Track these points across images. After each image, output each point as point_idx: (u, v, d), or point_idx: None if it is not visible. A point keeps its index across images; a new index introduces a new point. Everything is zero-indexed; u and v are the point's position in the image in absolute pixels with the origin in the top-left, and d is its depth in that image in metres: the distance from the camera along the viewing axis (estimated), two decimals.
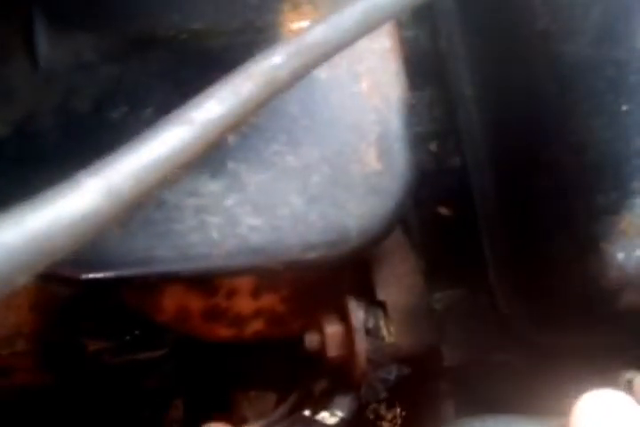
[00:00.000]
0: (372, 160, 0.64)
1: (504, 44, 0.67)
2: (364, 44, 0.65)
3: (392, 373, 0.75)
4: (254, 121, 0.63)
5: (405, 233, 0.76)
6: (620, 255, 0.57)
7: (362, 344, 0.72)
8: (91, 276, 0.61)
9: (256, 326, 0.80)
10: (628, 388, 0.59)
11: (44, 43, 0.62)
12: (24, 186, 0.60)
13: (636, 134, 0.57)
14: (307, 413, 0.77)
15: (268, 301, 0.79)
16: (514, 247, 0.69)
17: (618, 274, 0.58)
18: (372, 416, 1.03)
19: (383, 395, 0.76)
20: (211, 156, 0.61)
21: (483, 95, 0.72)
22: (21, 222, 0.31)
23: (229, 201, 0.62)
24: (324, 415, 0.76)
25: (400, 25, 0.72)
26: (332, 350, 0.73)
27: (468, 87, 0.73)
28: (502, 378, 0.74)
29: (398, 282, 0.75)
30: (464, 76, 0.74)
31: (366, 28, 0.47)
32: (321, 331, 0.74)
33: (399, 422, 1.02)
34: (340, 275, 0.78)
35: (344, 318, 0.74)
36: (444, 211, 0.78)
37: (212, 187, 0.62)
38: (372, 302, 0.75)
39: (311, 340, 0.74)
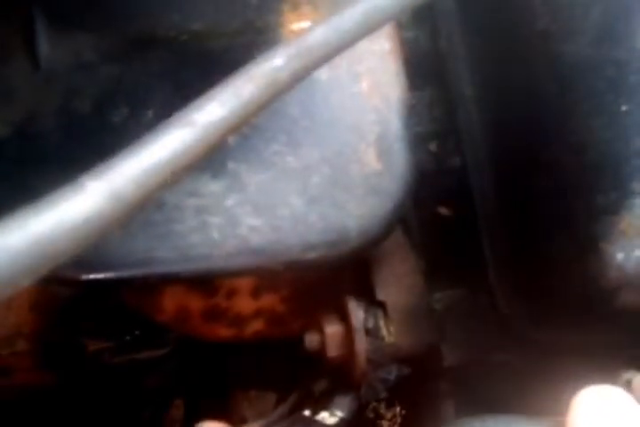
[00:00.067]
0: (371, 160, 0.64)
1: (504, 44, 0.67)
2: (363, 45, 0.65)
3: (392, 373, 0.75)
4: (254, 121, 0.63)
5: (405, 233, 0.76)
6: (620, 255, 0.57)
7: (362, 344, 0.72)
8: (91, 277, 0.61)
9: (256, 326, 0.80)
10: (627, 388, 0.59)
11: (44, 43, 0.62)
12: (24, 186, 0.60)
13: (635, 134, 0.57)
14: (306, 413, 0.77)
15: (268, 301, 0.80)
16: (514, 247, 0.69)
17: (617, 274, 0.58)
18: (371, 415, 1.03)
19: (383, 395, 0.76)
20: (211, 156, 0.61)
21: (483, 95, 0.72)
22: (25, 226, 0.31)
23: (230, 201, 0.62)
24: (324, 415, 0.76)
25: (400, 25, 0.72)
26: (332, 350, 0.73)
27: (468, 87, 0.73)
28: (502, 378, 0.75)
29: (398, 282, 0.75)
30: (464, 76, 0.74)
31: (367, 30, 0.47)
32: (321, 331, 0.74)
33: (399, 420, 1.02)
34: (340, 275, 0.78)
35: (344, 318, 0.74)
36: (443, 211, 0.78)
37: (212, 187, 0.62)
38: (372, 302, 0.75)
39: (311, 340, 0.74)
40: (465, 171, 0.75)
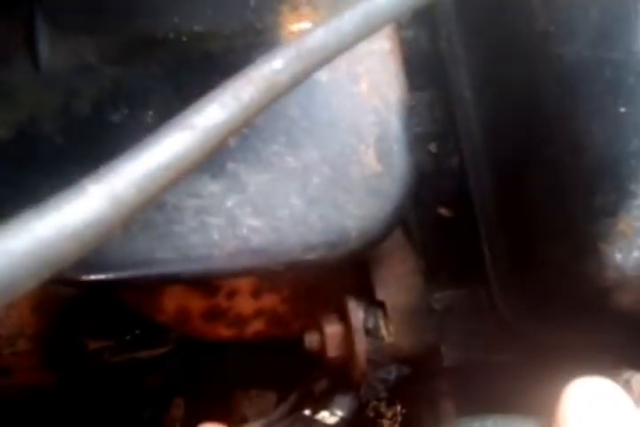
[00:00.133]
0: (371, 161, 0.64)
1: (503, 45, 0.67)
2: (363, 46, 0.64)
3: (392, 373, 0.76)
4: (254, 122, 0.63)
5: (405, 234, 0.77)
6: (618, 256, 0.57)
7: (361, 344, 0.72)
8: (92, 277, 0.61)
9: (257, 326, 0.81)
10: (626, 387, 0.59)
11: (45, 45, 0.62)
12: (25, 188, 0.60)
13: (634, 136, 0.57)
14: (307, 412, 0.78)
15: (269, 301, 0.80)
16: (513, 248, 0.69)
17: (615, 274, 0.58)
18: (372, 414, 1.03)
19: (383, 395, 0.76)
20: (211, 157, 0.61)
21: (482, 96, 0.72)
22: (27, 230, 0.31)
23: (230, 202, 0.62)
24: (324, 415, 0.76)
25: (399, 26, 0.72)
26: (332, 350, 0.74)
27: (468, 88, 0.73)
28: (502, 378, 0.75)
29: (398, 282, 0.76)
30: (463, 77, 0.73)
31: (367, 32, 0.47)
32: (321, 331, 0.74)
33: (399, 419, 1.02)
34: (340, 275, 0.78)
35: (344, 318, 0.74)
36: (444, 211, 0.78)
37: (212, 188, 0.62)
38: (372, 303, 0.75)
39: (311, 340, 0.74)
40: (465, 172, 0.75)
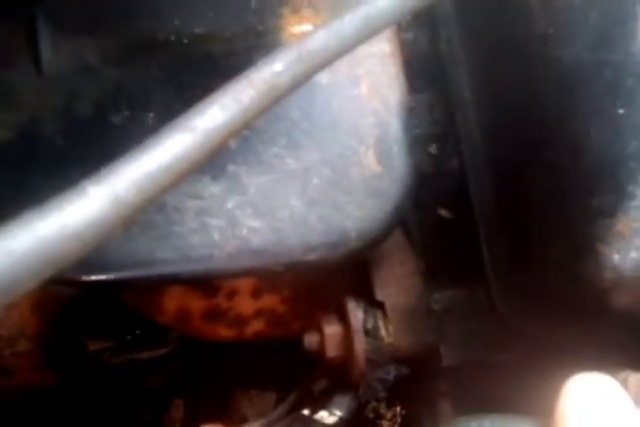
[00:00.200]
0: (371, 163, 0.65)
1: (502, 47, 0.67)
2: (363, 48, 0.65)
3: (391, 373, 0.76)
4: (255, 124, 0.63)
5: (405, 235, 0.77)
6: (616, 257, 0.58)
7: (361, 344, 0.73)
8: (92, 277, 0.61)
9: (257, 326, 0.81)
10: (623, 386, 0.59)
11: (46, 46, 0.62)
12: (26, 189, 0.61)
13: (632, 137, 0.57)
14: (306, 412, 0.78)
15: (269, 301, 0.80)
16: (512, 248, 0.69)
17: (613, 275, 0.58)
18: (371, 415, 1.03)
19: (382, 395, 0.77)
20: (212, 159, 0.62)
21: (481, 98, 0.72)
22: (28, 230, 0.31)
23: (230, 203, 0.63)
24: (323, 415, 0.76)
25: (399, 28, 0.72)
26: (331, 351, 0.74)
27: (467, 90, 0.73)
28: (500, 378, 0.75)
29: (397, 283, 0.76)
30: (463, 79, 0.74)
31: (367, 35, 0.47)
32: (320, 331, 0.74)
33: (399, 420, 1.02)
34: (340, 276, 0.78)
35: (343, 318, 0.74)
36: (443, 213, 0.78)
37: (212, 189, 0.63)
38: (372, 303, 0.76)
39: (310, 340, 0.75)
40: (464, 173, 0.75)
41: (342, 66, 0.65)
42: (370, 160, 0.65)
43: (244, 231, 0.63)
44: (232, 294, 0.79)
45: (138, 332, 0.87)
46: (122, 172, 0.34)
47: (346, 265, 0.72)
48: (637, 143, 0.57)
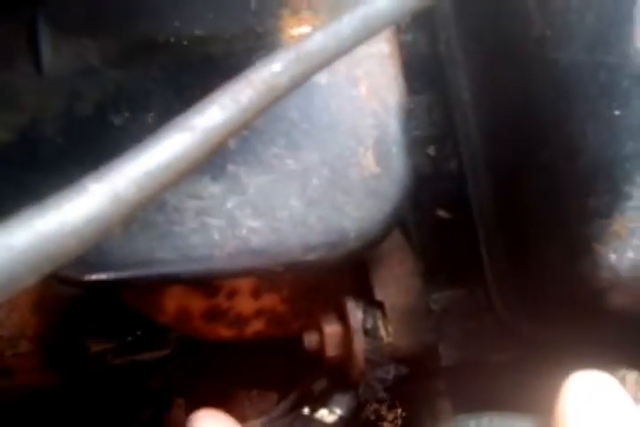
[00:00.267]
0: (370, 164, 0.65)
1: (500, 49, 0.68)
2: (362, 49, 0.64)
3: (390, 372, 0.76)
4: (254, 125, 0.63)
5: (404, 235, 0.77)
6: (613, 257, 0.58)
7: (360, 344, 0.73)
8: (93, 277, 0.62)
9: (257, 326, 0.81)
10: (621, 385, 0.59)
11: (47, 48, 0.62)
12: (28, 190, 0.61)
13: (628, 138, 0.57)
14: (305, 411, 0.78)
15: (269, 301, 0.80)
16: (510, 249, 0.69)
17: (610, 275, 0.58)
18: (372, 417, 1.03)
19: (381, 394, 0.77)
20: (211, 159, 0.62)
21: (480, 100, 0.72)
22: (28, 226, 0.32)
23: (230, 203, 0.63)
24: (323, 413, 0.77)
25: (399, 30, 0.73)
26: (331, 350, 0.74)
27: (466, 92, 0.74)
28: (499, 377, 0.75)
29: (397, 283, 0.76)
30: (462, 80, 0.74)
31: (365, 35, 0.47)
32: (320, 331, 0.75)
33: (400, 422, 1.02)
34: (340, 276, 0.79)
35: (343, 318, 0.74)
36: (442, 214, 0.78)
37: (212, 189, 0.63)
38: (371, 303, 0.76)
39: (310, 339, 0.75)
40: (463, 174, 0.75)
41: (341, 67, 0.65)
42: (369, 161, 0.65)
43: (244, 231, 0.63)
44: (232, 294, 0.79)
45: (139, 333, 0.87)
46: (122, 169, 0.35)
47: (345, 265, 0.73)
48: (633, 144, 0.57)
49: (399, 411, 1.01)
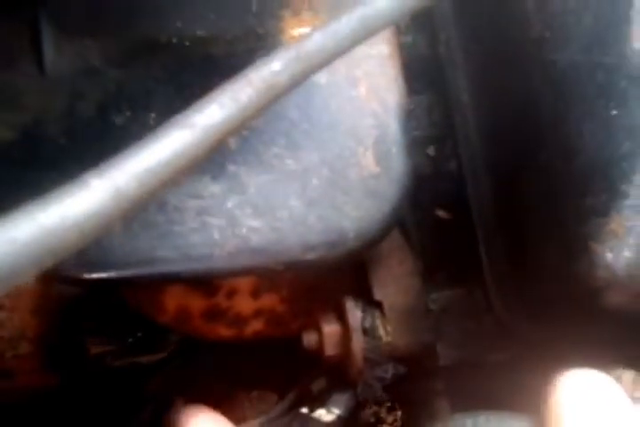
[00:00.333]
0: (369, 164, 0.65)
1: (500, 50, 0.68)
2: (362, 50, 0.65)
3: (388, 371, 0.76)
4: (254, 125, 0.64)
5: (403, 235, 0.77)
6: (609, 256, 0.58)
7: (359, 343, 0.73)
8: (94, 275, 0.62)
9: (256, 325, 0.81)
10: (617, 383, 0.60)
11: (50, 48, 0.63)
12: (30, 189, 0.61)
13: (625, 138, 0.57)
14: (304, 410, 0.78)
15: (268, 301, 0.80)
16: (509, 249, 0.70)
17: (606, 274, 0.58)
18: (372, 419, 1.03)
19: (379, 393, 0.77)
20: (212, 158, 0.62)
21: (479, 101, 0.72)
22: (31, 220, 0.32)
23: (230, 203, 0.63)
24: (321, 413, 0.77)
25: (399, 31, 0.73)
26: (330, 349, 0.74)
27: (466, 93, 0.74)
28: (497, 377, 0.75)
29: (396, 283, 0.76)
30: (461, 81, 0.74)
31: (364, 35, 0.48)
32: (319, 330, 0.75)
33: (399, 424, 1.02)
34: (339, 276, 0.79)
35: (342, 317, 0.75)
36: (441, 214, 0.78)
37: (212, 189, 0.63)
38: (370, 302, 0.76)
39: (309, 339, 0.75)
40: (462, 175, 0.76)
41: (341, 67, 0.65)
42: (368, 161, 0.65)
43: (244, 230, 0.63)
44: (231, 294, 0.79)
45: (139, 334, 0.87)
46: (123, 166, 0.35)
47: (344, 265, 0.73)
48: (630, 144, 0.57)
49: (399, 413, 1.01)
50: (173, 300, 0.78)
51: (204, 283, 0.77)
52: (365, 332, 0.74)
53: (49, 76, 0.63)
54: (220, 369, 0.93)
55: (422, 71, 0.77)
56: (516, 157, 0.67)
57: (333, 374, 0.79)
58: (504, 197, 0.70)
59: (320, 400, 0.78)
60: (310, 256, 0.64)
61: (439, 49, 0.77)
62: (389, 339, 0.75)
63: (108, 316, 0.85)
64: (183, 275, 0.64)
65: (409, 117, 0.67)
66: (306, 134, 0.65)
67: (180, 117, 0.40)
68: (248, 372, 0.91)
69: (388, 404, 1.00)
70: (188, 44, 0.64)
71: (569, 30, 0.60)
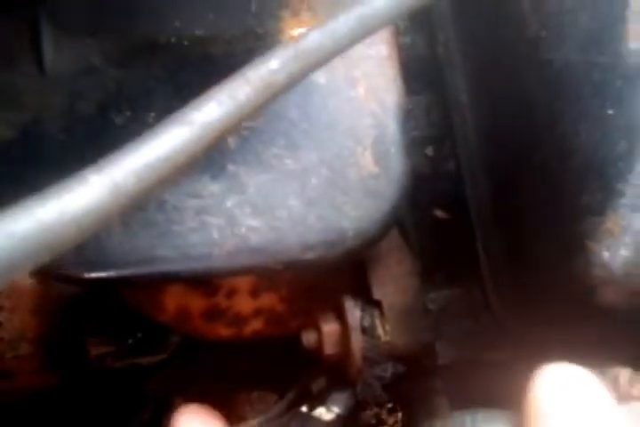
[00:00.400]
0: (368, 163, 0.65)
1: (497, 51, 0.68)
2: (361, 50, 0.66)
3: (387, 370, 0.76)
4: (254, 124, 0.64)
5: (402, 235, 0.78)
6: (606, 254, 0.58)
7: (358, 342, 0.73)
8: (94, 275, 0.62)
9: (256, 325, 0.81)
10: (614, 384, 0.60)
11: (49, 47, 0.63)
12: (29, 187, 0.61)
13: (621, 137, 0.58)
14: (304, 409, 0.78)
15: (268, 300, 0.81)
16: (506, 248, 0.70)
17: (603, 272, 0.59)
18: (373, 421, 1.03)
19: (379, 392, 0.77)
20: (211, 158, 0.63)
21: (477, 102, 0.73)
22: (30, 214, 0.32)
23: (229, 202, 0.63)
24: (321, 411, 0.77)
25: (397, 31, 0.73)
26: (329, 348, 0.75)
27: (464, 94, 0.74)
28: (495, 376, 0.75)
29: (394, 282, 0.76)
30: (460, 82, 0.75)
31: (361, 34, 0.48)
32: (318, 329, 0.75)
33: (400, 426, 1.02)
34: (338, 275, 0.79)
35: (341, 316, 0.75)
36: (440, 213, 0.79)
37: (212, 188, 0.63)
38: (369, 302, 0.76)
39: (308, 338, 0.75)
40: (460, 175, 0.76)
41: (340, 67, 0.66)
42: (367, 161, 0.65)
43: (243, 230, 0.63)
44: (231, 294, 0.79)
45: (139, 335, 0.87)
46: (121, 162, 0.36)
47: (343, 264, 0.73)
48: (626, 143, 0.57)
49: (399, 415, 1.01)
50: (173, 299, 0.78)
51: (204, 282, 0.78)
52: (364, 331, 0.75)
53: (49, 76, 0.63)
54: (220, 369, 0.93)
55: (421, 71, 0.78)
56: (514, 157, 0.67)
57: (333, 373, 0.79)
58: (502, 197, 0.70)
59: (319, 399, 0.78)
60: (309, 256, 0.64)
61: (438, 49, 0.77)
62: (388, 338, 0.75)
63: (108, 316, 0.85)
64: (182, 274, 0.64)
65: (407, 118, 0.68)
66: (305, 134, 0.65)
67: (178, 115, 0.40)
68: (248, 372, 0.91)
69: (389, 405, 1.00)
70: (187, 43, 0.65)
71: (565, 30, 0.60)
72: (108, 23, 0.65)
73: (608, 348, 0.65)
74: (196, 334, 0.82)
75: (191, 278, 0.71)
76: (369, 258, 0.77)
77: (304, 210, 0.64)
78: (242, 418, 0.90)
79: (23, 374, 0.86)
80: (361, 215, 0.65)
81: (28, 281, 0.82)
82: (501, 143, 0.70)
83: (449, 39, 0.76)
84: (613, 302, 0.60)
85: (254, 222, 0.63)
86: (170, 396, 0.96)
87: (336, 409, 0.77)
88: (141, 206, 0.61)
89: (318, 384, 0.81)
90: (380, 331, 0.75)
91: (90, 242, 0.59)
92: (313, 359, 0.76)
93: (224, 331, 0.81)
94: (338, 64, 0.65)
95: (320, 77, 0.65)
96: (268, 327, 0.82)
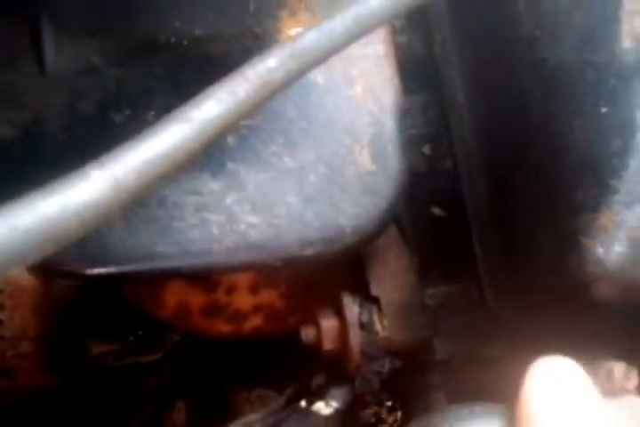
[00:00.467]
0: (366, 161, 0.66)
1: (493, 50, 0.69)
2: (358, 50, 0.66)
3: (385, 365, 0.77)
4: (253, 123, 0.65)
5: (400, 232, 0.78)
6: (600, 250, 0.59)
7: (356, 338, 0.74)
8: (95, 271, 0.63)
9: (255, 321, 0.82)
10: (609, 378, 0.60)
11: (50, 47, 0.63)
12: (30, 186, 0.62)
13: (615, 135, 0.58)
14: (303, 404, 0.79)
15: (267, 297, 0.81)
16: (502, 244, 0.70)
17: (597, 268, 0.59)
18: (373, 420, 1.03)
19: (377, 387, 0.78)
20: (211, 156, 0.63)
21: (474, 101, 0.73)
22: (33, 208, 0.33)
23: (229, 199, 0.64)
24: (320, 406, 0.78)
25: (394, 31, 0.74)
26: (328, 344, 0.75)
27: (461, 93, 0.74)
28: (492, 371, 0.76)
29: (392, 278, 0.77)
30: (456, 81, 0.75)
31: (358, 34, 0.49)
32: (317, 325, 0.76)
33: (399, 425, 1.03)
34: (336, 271, 0.80)
35: (339, 312, 0.76)
36: (437, 211, 0.79)
37: (212, 186, 0.64)
38: (367, 298, 0.77)
39: (307, 334, 0.76)
40: (457, 173, 0.76)
41: (338, 67, 0.66)
42: (364, 159, 0.66)
43: (243, 227, 0.64)
44: (231, 290, 0.80)
45: (140, 333, 0.87)
46: (122, 158, 0.36)
47: (341, 260, 0.73)
48: (620, 141, 0.58)
49: (399, 414, 1.01)
50: (173, 296, 0.79)
51: (204, 279, 0.78)
52: (362, 327, 0.75)
53: (49, 75, 0.64)
54: (220, 369, 0.93)
55: (418, 70, 0.78)
56: (510, 155, 0.68)
57: (331, 369, 0.79)
58: (498, 194, 0.71)
59: (318, 394, 0.79)
60: (308, 252, 0.65)
61: (434, 48, 0.78)
62: (386, 334, 0.76)
63: (109, 314, 0.86)
64: (182, 270, 0.64)
65: (404, 116, 0.68)
66: (303, 133, 0.66)
67: (178, 112, 0.41)
68: (248, 371, 0.92)
69: (389, 404, 1.01)
70: (186, 43, 0.65)
71: (559, 29, 0.61)
72: (108, 23, 0.65)
73: (603, 342, 0.66)
74: (195, 331, 0.82)
75: (191, 274, 0.72)
76: (367, 254, 0.77)
77: (302, 207, 0.65)
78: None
79: (24, 373, 0.86)
80: (359, 212, 0.66)
81: (29, 280, 0.82)
82: (498, 142, 0.71)
83: (445, 38, 0.76)
84: (607, 297, 0.60)
85: (253, 219, 0.64)
86: (170, 396, 0.97)
87: (335, 404, 0.78)
88: (142, 203, 0.62)
89: (317, 379, 0.81)
90: (378, 326, 0.76)
91: (91, 239, 0.59)
92: (312, 355, 0.77)
93: (224, 327, 0.82)
94: (335, 63, 0.66)
95: (318, 76, 0.66)
96: (268, 323, 0.82)
